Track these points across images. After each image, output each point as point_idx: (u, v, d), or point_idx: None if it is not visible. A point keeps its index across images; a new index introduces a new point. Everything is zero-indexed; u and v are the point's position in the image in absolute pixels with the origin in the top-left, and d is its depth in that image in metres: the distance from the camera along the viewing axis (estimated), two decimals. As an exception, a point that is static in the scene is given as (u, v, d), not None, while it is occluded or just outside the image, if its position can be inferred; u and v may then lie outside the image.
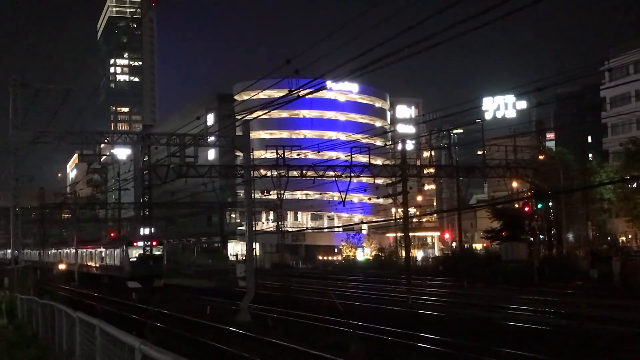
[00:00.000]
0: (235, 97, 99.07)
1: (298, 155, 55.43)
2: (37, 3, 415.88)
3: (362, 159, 57.52)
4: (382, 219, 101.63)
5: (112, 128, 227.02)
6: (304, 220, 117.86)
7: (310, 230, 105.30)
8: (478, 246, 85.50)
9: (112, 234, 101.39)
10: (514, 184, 64.58)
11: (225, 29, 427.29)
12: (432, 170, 61.39)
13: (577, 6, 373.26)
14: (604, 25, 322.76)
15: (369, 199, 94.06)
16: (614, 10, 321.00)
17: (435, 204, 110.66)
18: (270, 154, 54.88)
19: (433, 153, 65.41)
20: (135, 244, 54.72)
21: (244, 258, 50.09)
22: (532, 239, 55.03)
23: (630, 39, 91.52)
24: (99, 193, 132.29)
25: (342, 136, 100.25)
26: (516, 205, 58.65)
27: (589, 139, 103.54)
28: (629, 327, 24.79)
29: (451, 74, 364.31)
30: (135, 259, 52.51)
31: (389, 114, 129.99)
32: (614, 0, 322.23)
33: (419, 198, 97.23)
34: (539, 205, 55.82)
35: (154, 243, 56.30)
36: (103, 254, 58.87)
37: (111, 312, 33.94)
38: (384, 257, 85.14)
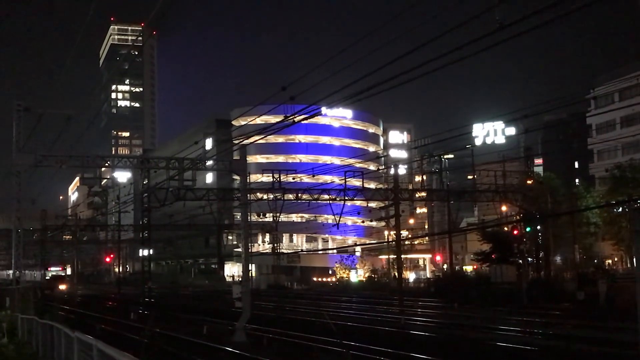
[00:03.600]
0: (233, 123, 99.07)
1: (293, 179, 55.43)
2: (41, 31, 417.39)
3: (355, 182, 57.55)
4: (375, 242, 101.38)
5: (113, 152, 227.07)
6: (299, 242, 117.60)
7: (305, 252, 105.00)
8: (468, 268, 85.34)
9: (110, 255, 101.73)
10: (503, 208, 64.63)
11: (223, 56, 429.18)
12: (423, 194, 61.52)
13: (563, 36, 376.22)
14: (590, 55, 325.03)
15: (363, 221, 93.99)
16: (599, 40, 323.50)
17: (426, 226, 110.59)
18: (266, 178, 54.97)
19: (424, 177, 65.51)
20: (49, 268, 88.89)
21: (240, 279, 49.93)
22: (520, 261, 54.96)
23: (614, 68, 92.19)
24: (100, 215, 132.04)
25: (336, 160, 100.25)
26: (505, 229, 58.61)
27: (576, 165, 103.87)
28: (614, 347, 24.70)
29: (442, 100, 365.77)
30: (48, 278, 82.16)
31: (381, 139, 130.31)
32: (599, 30, 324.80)
33: (411, 221, 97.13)
34: (528, 229, 55.82)
35: (61, 268, 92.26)
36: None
37: (109, 331, 33.76)
38: (377, 279, 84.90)
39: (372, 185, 76.59)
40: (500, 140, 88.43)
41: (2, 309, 29.94)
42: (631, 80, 70.57)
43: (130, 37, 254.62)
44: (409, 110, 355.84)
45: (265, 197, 53.71)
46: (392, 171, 60.37)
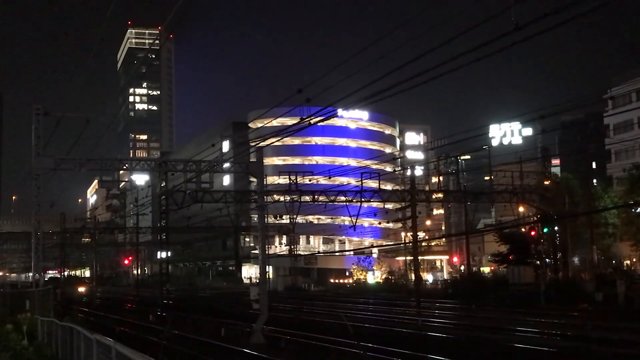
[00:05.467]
0: (250, 125, 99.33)
1: (310, 180, 55.48)
2: (60, 36, 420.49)
3: (372, 184, 57.50)
4: (392, 243, 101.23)
5: (131, 155, 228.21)
6: (316, 244, 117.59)
7: (322, 254, 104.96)
8: (486, 269, 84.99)
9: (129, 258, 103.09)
10: (521, 209, 64.27)
11: (240, 59, 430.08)
12: (440, 195, 61.28)
13: (580, 36, 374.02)
14: (607, 55, 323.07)
15: (379, 223, 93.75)
16: (616, 40, 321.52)
17: (443, 228, 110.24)
18: (283, 180, 55.00)
19: (441, 178, 65.19)
20: (47, 271, 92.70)
21: (257, 281, 50.08)
22: (538, 262, 54.70)
23: (632, 68, 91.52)
24: (118, 218, 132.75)
25: (352, 162, 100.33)
26: (523, 230, 58.33)
27: (593, 165, 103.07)
28: (634, 349, 24.51)
29: (459, 101, 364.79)
30: (46, 279, 79.51)
31: (398, 141, 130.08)
32: (616, 30, 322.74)
33: (428, 222, 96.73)
34: (545, 230, 55.52)
35: (57, 271, 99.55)
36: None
37: (128, 333, 33.92)
38: (394, 280, 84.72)
39: (389, 187, 76.56)
40: (517, 140, 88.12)
41: (22, 311, 30.12)
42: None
43: (147, 41, 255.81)
44: (425, 112, 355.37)
45: (282, 199, 53.78)
46: (408, 172, 60.27)
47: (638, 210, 66.24)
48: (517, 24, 11.19)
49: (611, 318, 36.07)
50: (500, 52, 11.99)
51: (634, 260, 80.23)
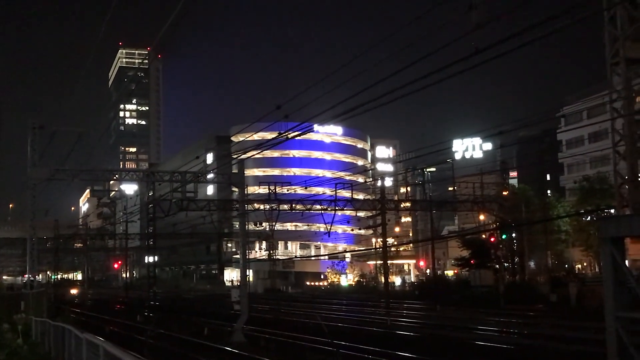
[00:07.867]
0: (232, 139, 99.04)
1: (288, 190, 55.45)
2: (55, 55, 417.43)
3: (345, 194, 57.49)
4: (363, 248, 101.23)
5: (121, 166, 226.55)
6: (294, 249, 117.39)
7: (299, 258, 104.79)
8: (450, 273, 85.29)
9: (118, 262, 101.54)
10: (481, 217, 64.70)
11: (223, 77, 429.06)
12: (408, 204, 61.62)
13: (536, 58, 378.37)
14: (560, 75, 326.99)
15: (352, 230, 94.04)
16: (570, 62, 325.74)
17: (411, 234, 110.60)
18: (263, 190, 54.87)
19: (409, 189, 65.53)
20: (24, 275, 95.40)
21: (238, 284, 49.70)
22: (497, 266, 54.97)
23: (583, 88, 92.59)
24: (108, 225, 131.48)
25: (327, 174, 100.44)
26: (483, 236, 58.67)
27: (548, 177, 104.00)
28: (584, 345, 24.70)
29: (425, 117, 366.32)
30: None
31: (369, 154, 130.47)
32: (568, 53, 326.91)
33: (397, 229, 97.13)
34: (504, 236, 55.88)
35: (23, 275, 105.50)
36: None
37: (117, 332, 33.61)
38: (365, 283, 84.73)
39: (361, 196, 76.43)
40: (478, 154, 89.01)
41: (17, 312, 29.74)
42: (598, 99, 70.94)
43: (137, 60, 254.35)
44: (395, 127, 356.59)
45: (262, 207, 53.66)
46: (379, 183, 60.45)
47: (588, 219, 66.90)
48: (476, 48, 11.29)
49: (564, 317, 36.34)
50: (462, 73, 12.10)
51: (585, 264, 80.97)
